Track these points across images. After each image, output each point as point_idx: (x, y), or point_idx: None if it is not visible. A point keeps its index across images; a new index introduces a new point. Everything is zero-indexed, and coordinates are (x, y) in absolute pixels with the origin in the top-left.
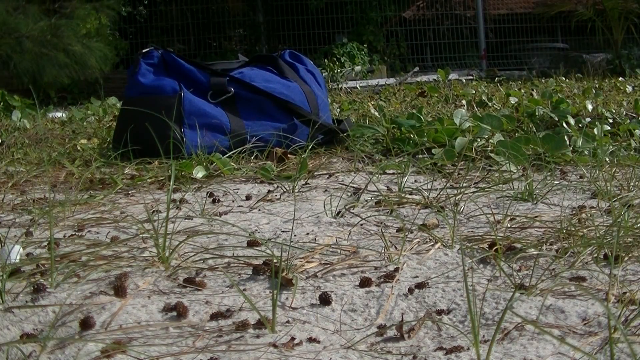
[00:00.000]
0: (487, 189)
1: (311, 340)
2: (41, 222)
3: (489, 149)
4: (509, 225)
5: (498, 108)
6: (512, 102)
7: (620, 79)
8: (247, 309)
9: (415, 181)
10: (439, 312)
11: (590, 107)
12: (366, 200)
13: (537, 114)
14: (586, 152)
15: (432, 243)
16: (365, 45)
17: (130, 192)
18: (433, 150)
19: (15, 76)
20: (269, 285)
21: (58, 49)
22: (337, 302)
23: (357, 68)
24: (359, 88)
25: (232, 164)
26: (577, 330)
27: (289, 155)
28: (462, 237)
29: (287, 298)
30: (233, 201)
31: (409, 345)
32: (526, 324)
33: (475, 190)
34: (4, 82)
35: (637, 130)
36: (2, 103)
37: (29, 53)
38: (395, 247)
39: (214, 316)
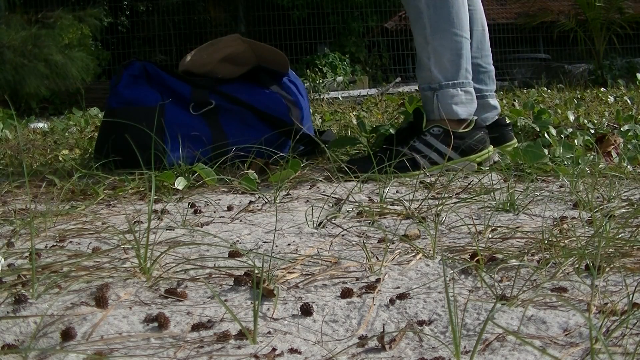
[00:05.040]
0: (469, 200)
1: (292, 351)
2: (22, 233)
3: None
4: (490, 236)
5: None
6: None
7: (602, 89)
8: (229, 319)
9: (397, 192)
10: (420, 323)
11: (572, 117)
12: (348, 211)
13: (518, 124)
14: (566, 162)
15: (413, 254)
16: (347, 56)
17: (111, 202)
18: None
19: None
20: (250, 296)
21: (39, 59)
22: (318, 313)
23: (339, 79)
24: (340, 99)
25: (214, 174)
26: (559, 341)
27: (270, 166)
28: (444, 247)
29: (268, 309)
30: (214, 212)
31: (390, 356)
32: (507, 335)
33: (457, 201)
34: None
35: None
36: None
37: (9, 64)
38: (376, 257)
39: (195, 327)
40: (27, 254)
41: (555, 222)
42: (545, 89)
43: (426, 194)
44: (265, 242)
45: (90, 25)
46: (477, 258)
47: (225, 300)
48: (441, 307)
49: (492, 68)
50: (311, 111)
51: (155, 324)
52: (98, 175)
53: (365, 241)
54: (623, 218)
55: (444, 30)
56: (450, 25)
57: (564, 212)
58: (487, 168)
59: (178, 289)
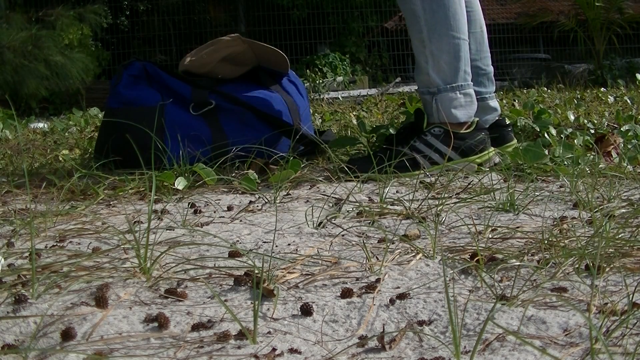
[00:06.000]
0: (469, 200)
1: (292, 351)
2: (22, 233)
3: None
4: (490, 236)
5: None
6: None
7: (602, 89)
8: (229, 319)
9: (397, 192)
10: (420, 323)
11: (572, 117)
12: (348, 211)
13: (518, 124)
14: (566, 162)
15: (413, 254)
16: (347, 56)
17: (111, 202)
18: None
19: None
20: (250, 296)
21: (39, 60)
22: (318, 313)
23: (339, 79)
24: (340, 99)
25: (214, 174)
26: (559, 341)
27: (270, 166)
28: (444, 247)
29: (268, 309)
30: (214, 212)
31: (390, 356)
32: (507, 335)
33: (457, 200)
34: None
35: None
36: None
37: (9, 64)
38: (376, 257)
39: (195, 327)
40: (27, 254)
41: (555, 222)
42: (545, 89)
43: (426, 194)
44: (265, 242)
45: (91, 22)
46: (477, 258)
47: (225, 300)
48: (441, 307)
49: (491, 69)
50: (311, 111)
51: (155, 324)
52: (98, 175)
53: (365, 241)
54: (623, 218)
55: (441, 33)
56: (448, 27)
57: (564, 212)
58: (487, 169)
59: (178, 289)
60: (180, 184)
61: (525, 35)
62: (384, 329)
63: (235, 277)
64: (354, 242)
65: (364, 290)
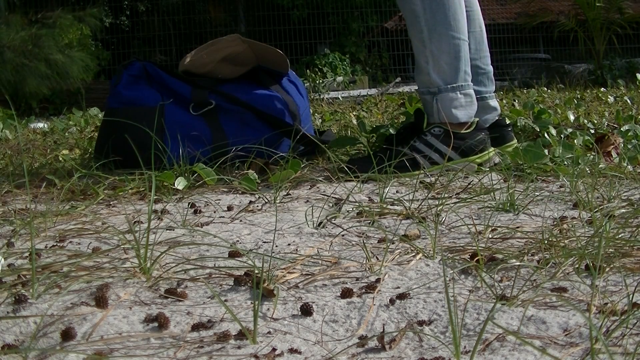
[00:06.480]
0: (469, 200)
1: (292, 351)
2: (22, 233)
3: None
4: (490, 236)
5: None
6: None
7: (602, 89)
8: (229, 319)
9: (397, 192)
10: (420, 323)
11: (572, 117)
12: (348, 211)
13: (518, 124)
14: (566, 162)
15: (413, 254)
16: (347, 56)
17: (111, 202)
18: None
19: None
20: (250, 296)
21: (39, 59)
22: (318, 313)
23: (339, 79)
24: (340, 99)
25: (214, 174)
26: (559, 341)
27: (270, 166)
28: (444, 247)
29: (268, 309)
30: (214, 212)
31: (390, 356)
32: (507, 335)
33: (457, 200)
34: None
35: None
36: None
37: (9, 63)
38: (376, 257)
39: (195, 327)
40: (27, 254)
41: (555, 222)
42: (545, 89)
43: (426, 194)
44: (265, 242)
45: (91, 25)
46: (477, 258)
47: (225, 300)
48: (441, 307)
49: (491, 69)
50: (311, 111)
51: (155, 324)
52: (98, 175)
53: (365, 241)
54: (623, 218)
55: (442, 34)
56: (448, 28)
57: (564, 212)
58: (487, 169)
59: (178, 289)
60: (180, 184)
61: (525, 35)
62: (384, 329)
63: (235, 277)
64: (354, 242)
65: (364, 290)
